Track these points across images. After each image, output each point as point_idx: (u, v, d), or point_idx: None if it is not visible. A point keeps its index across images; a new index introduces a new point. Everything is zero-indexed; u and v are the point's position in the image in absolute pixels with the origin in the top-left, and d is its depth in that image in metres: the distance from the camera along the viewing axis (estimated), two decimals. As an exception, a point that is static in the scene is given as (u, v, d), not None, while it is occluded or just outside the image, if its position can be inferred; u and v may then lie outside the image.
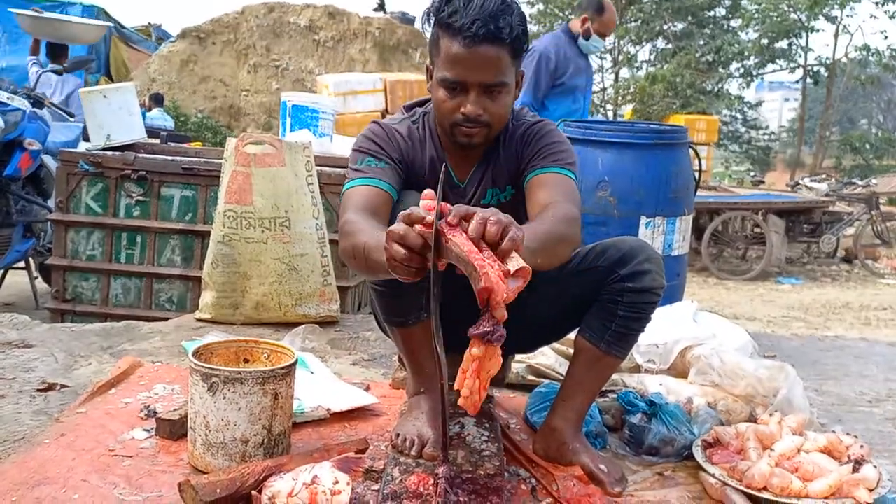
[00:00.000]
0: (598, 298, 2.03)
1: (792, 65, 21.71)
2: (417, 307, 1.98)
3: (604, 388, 2.33)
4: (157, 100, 11.91)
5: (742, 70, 21.59)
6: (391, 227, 1.47)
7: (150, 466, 1.97)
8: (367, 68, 14.78)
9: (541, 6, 21.99)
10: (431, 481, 1.77)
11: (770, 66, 21.80)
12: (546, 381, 2.60)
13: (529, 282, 1.45)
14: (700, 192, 5.02)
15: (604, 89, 22.42)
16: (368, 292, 2.38)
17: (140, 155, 4.25)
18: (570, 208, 1.87)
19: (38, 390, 2.54)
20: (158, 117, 10.89)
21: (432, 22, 1.94)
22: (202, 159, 4.28)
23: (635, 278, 1.98)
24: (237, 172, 3.45)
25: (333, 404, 2.36)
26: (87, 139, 4.69)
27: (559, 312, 2.13)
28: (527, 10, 21.68)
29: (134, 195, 4.14)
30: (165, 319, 3.71)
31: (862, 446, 2.10)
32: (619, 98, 21.21)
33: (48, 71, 6.16)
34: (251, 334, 3.10)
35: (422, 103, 2.17)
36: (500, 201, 2.09)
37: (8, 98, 4.84)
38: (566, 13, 21.71)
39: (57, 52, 7.16)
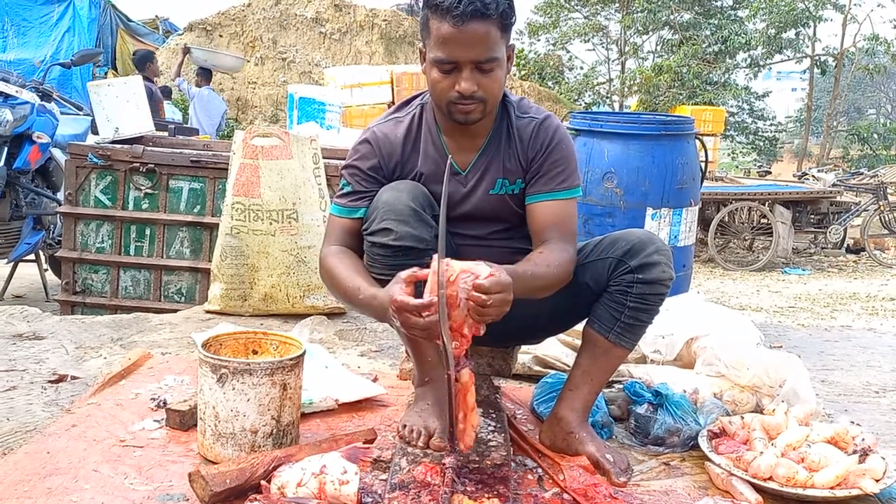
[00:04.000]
0: (607, 290, 2.04)
1: (799, 55, 21.60)
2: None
3: (610, 379, 2.34)
4: (165, 93, 11.92)
5: (749, 60, 21.47)
6: (398, 305, 1.69)
7: (160, 456, 1.99)
8: (373, 60, 14.77)
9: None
10: (439, 471, 1.79)
11: (777, 57, 21.69)
12: (553, 372, 2.61)
13: None
14: (706, 183, 5.01)
15: (610, 80, 22.33)
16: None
17: (148, 148, 4.28)
18: (565, 254, 1.99)
19: (50, 381, 2.56)
20: (166, 110, 10.92)
21: (421, 4, 1.96)
22: (210, 152, 4.29)
23: (645, 270, 1.99)
24: (245, 165, 3.47)
25: (342, 395, 2.38)
26: (95, 132, 4.70)
27: (567, 303, 2.13)
28: (532, 1, 21.56)
29: (143, 188, 4.16)
30: (175, 311, 3.74)
31: (867, 437, 2.10)
32: (625, 89, 21.12)
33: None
34: (260, 326, 3.12)
35: (419, 96, 2.18)
36: (511, 193, 2.09)
37: (16, 91, 4.86)
38: (572, 4, 21.59)
39: (203, 73, 10.09)
